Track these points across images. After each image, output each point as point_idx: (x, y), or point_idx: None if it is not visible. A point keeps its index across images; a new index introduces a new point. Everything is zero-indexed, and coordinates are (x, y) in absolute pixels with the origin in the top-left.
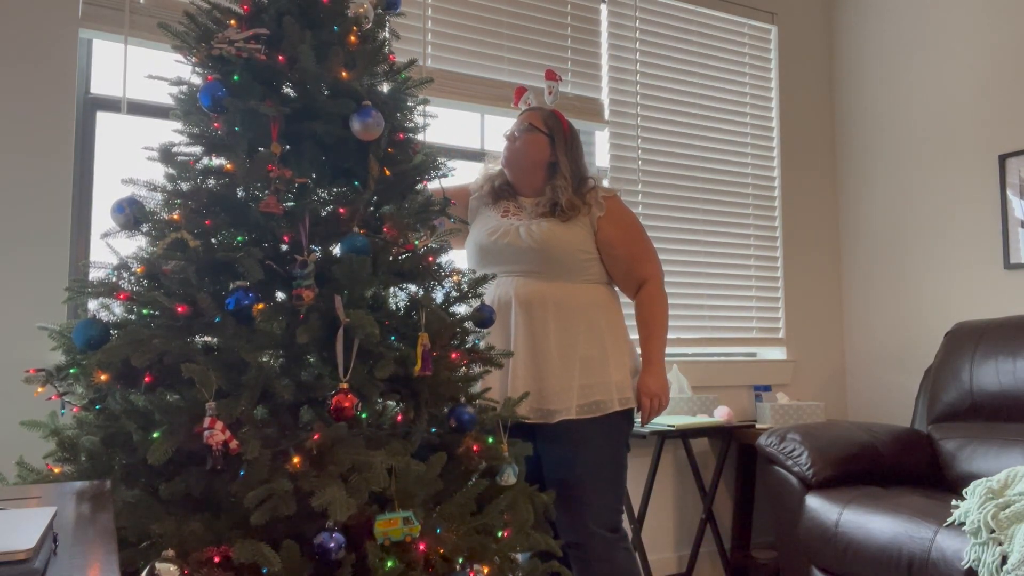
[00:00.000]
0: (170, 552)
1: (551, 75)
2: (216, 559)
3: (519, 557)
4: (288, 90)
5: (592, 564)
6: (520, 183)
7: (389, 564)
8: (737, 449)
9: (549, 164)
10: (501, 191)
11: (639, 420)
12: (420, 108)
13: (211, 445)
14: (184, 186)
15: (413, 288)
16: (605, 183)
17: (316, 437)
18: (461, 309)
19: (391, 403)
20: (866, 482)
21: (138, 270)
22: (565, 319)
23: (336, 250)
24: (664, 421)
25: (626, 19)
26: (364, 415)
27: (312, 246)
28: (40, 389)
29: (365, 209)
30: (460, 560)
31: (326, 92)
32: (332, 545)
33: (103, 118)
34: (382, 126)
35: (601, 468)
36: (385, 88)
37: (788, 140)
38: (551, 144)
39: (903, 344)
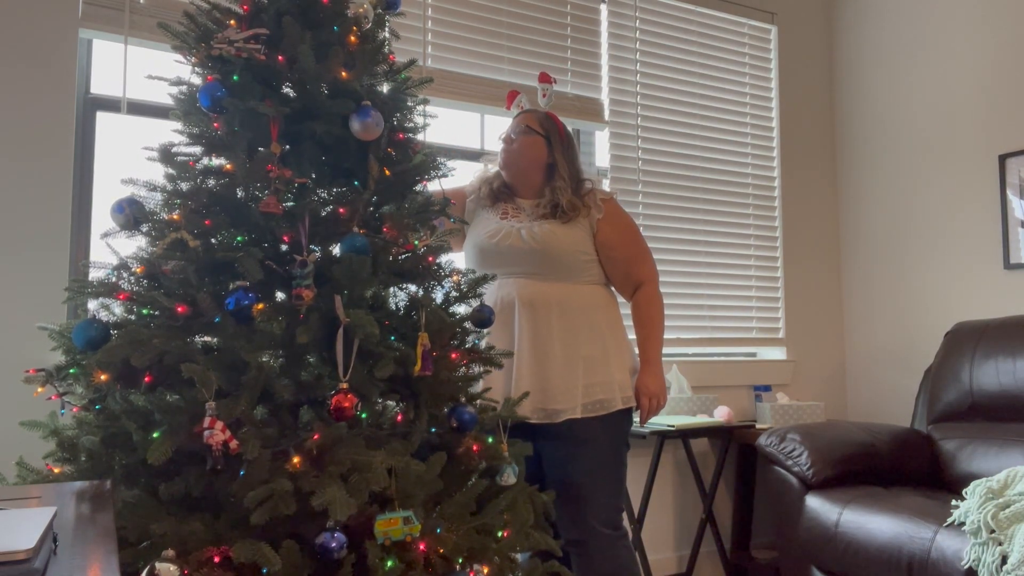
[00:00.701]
0: (170, 552)
1: (545, 78)
2: (216, 559)
3: (519, 557)
4: (288, 90)
5: (594, 562)
6: (518, 185)
7: (389, 564)
8: (737, 449)
9: (547, 165)
10: (499, 193)
11: (637, 419)
12: (420, 108)
13: (211, 445)
14: (184, 186)
15: (413, 288)
16: (605, 184)
17: (316, 437)
18: (461, 309)
19: (391, 403)
20: (866, 482)
21: (138, 270)
22: (568, 319)
23: (336, 250)
24: (664, 421)
25: (626, 19)
26: (364, 415)
27: (312, 246)
28: (40, 389)
29: (365, 209)
30: (460, 560)
31: (326, 92)
32: (333, 545)
33: (103, 118)
34: (382, 126)
35: (604, 466)
36: (385, 88)
37: (788, 140)
38: (548, 145)
39: (903, 344)
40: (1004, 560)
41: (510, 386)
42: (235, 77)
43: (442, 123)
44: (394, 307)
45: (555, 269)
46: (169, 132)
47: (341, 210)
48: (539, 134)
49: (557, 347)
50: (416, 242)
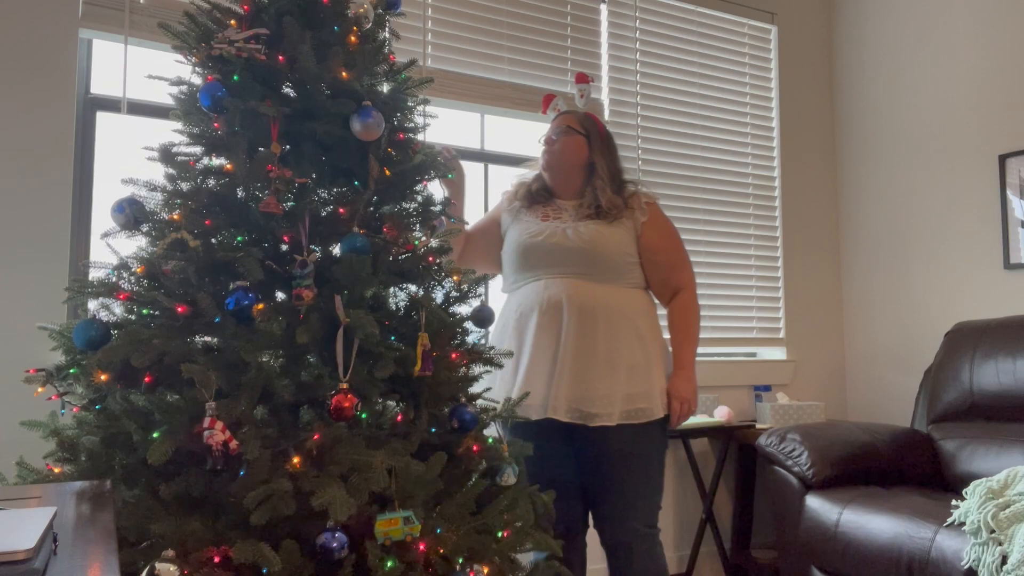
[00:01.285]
0: (170, 552)
1: (582, 78)
2: (216, 559)
3: (528, 557)
4: (288, 90)
5: (636, 562)
6: (559, 186)
7: (389, 564)
8: (737, 449)
9: (587, 165)
10: (537, 195)
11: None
12: (420, 108)
13: (211, 445)
14: (184, 186)
15: (413, 288)
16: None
17: (316, 437)
18: (461, 309)
19: (391, 403)
20: (866, 482)
21: (138, 270)
22: (613, 325)
23: (336, 250)
24: None
25: (626, 19)
26: (364, 415)
27: (312, 246)
28: (40, 389)
29: (365, 209)
30: (460, 560)
31: (326, 92)
32: (334, 545)
33: (103, 118)
34: (382, 126)
35: (648, 471)
36: (385, 88)
37: (788, 140)
38: (588, 145)
39: (903, 344)
40: (1004, 560)
41: (550, 388)
42: (235, 77)
43: (442, 123)
44: (394, 307)
45: (601, 269)
46: (169, 132)
47: (341, 210)
48: (580, 134)
49: (601, 352)
50: (416, 242)
